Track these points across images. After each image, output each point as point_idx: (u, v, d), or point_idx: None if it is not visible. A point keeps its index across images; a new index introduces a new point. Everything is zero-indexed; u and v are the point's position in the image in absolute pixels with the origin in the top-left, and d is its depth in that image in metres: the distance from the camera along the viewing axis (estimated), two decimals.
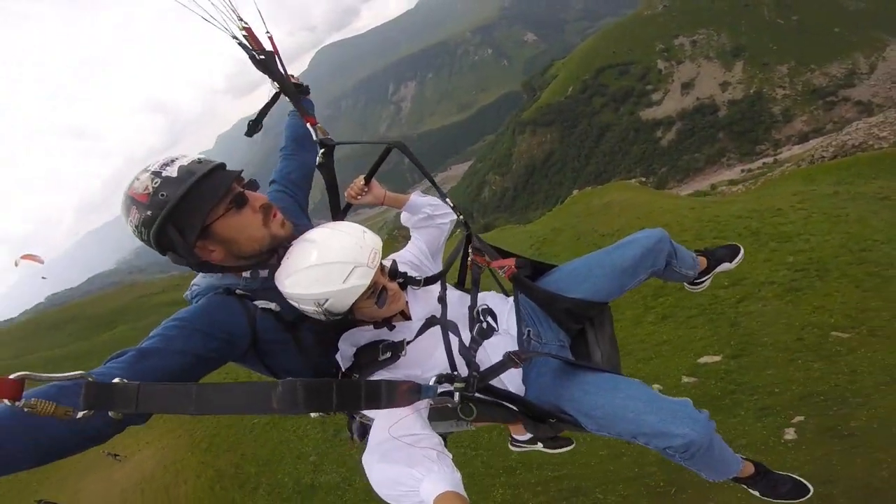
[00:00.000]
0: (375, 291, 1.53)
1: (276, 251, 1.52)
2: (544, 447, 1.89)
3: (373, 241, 1.50)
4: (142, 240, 1.34)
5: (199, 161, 1.36)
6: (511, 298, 1.97)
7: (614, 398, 1.56)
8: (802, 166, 26.50)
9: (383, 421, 1.37)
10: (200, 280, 1.55)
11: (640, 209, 20.43)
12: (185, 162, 1.33)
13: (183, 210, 1.28)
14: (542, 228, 25.23)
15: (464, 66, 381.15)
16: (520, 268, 1.96)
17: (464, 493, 1.14)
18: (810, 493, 1.94)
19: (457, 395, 1.38)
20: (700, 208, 18.62)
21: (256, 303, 1.46)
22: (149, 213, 1.28)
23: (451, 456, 1.28)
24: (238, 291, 1.45)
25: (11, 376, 0.80)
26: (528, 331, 1.82)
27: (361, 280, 1.42)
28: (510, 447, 1.88)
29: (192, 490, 14.13)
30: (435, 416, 1.52)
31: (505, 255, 2.06)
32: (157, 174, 1.29)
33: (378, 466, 1.26)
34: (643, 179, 37.86)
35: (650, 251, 1.91)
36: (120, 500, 15.73)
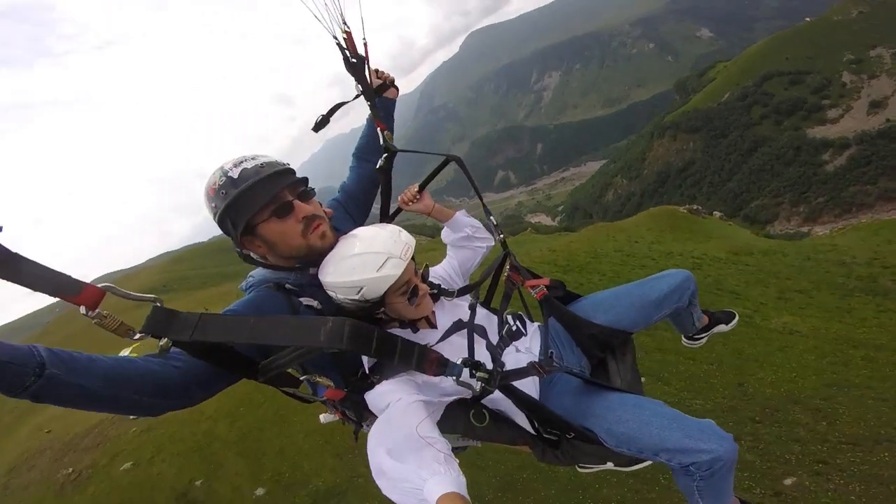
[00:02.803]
0: (408, 289, 1.58)
1: (315, 259, 1.59)
2: (615, 466, 1.83)
3: (407, 238, 1.57)
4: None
5: (262, 165, 1.48)
6: (536, 323, 2.05)
7: (640, 414, 1.57)
8: None
9: (395, 417, 1.37)
10: (256, 272, 1.66)
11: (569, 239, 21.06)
12: (249, 165, 1.46)
13: (234, 209, 1.45)
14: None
15: (618, 58, 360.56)
16: (551, 289, 2.03)
17: (467, 497, 1.12)
18: None
19: (479, 384, 1.39)
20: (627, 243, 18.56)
21: (301, 299, 1.55)
22: (213, 205, 1.47)
23: (458, 461, 1.27)
24: (287, 286, 1.55)
25: (98, 286, 0.87)
26: (552, 352, 1.86)
27: (394, 270, 1.49)
28: (578, 469, 1.95)
29: None
30: (445, 427, 1.52)
31: (536, 277, 2.11)
32: (225, 173, 1.45)
33: (385, 459, 1.24)
34: (695, 207, 33.28)
35: (678, 288, 2.00)
36: None
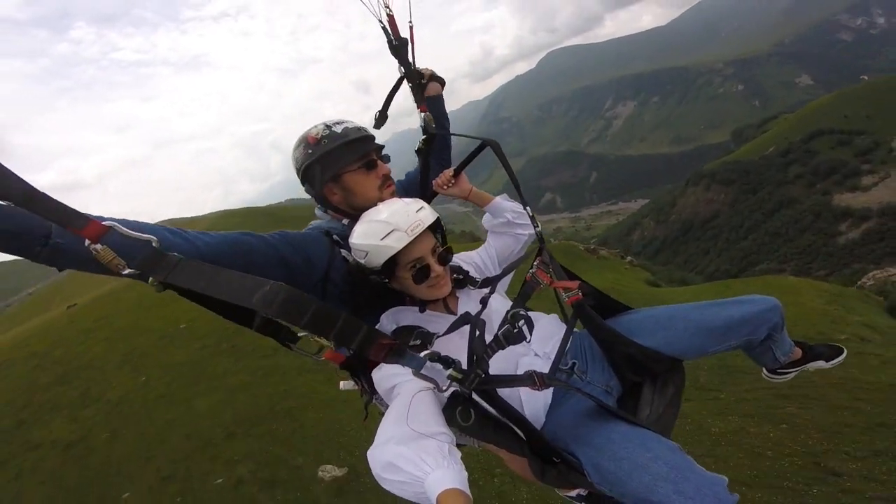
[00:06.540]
0: (416, 266, 1.57)
1: None
2: None
3: (423, 216, 1.56)
4: (295, 168, 1.81)
5: (359, 128, 1.78)
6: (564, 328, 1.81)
7: (639, 455, 1.30)
8: None
9: (399, 411, 1.28)
10: (316, 221, 1.90)
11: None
12: (350, 125, 1.76)
13: (331, 156, 1.71)
14: None
15: (700, 96, 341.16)
16: (585, 295, 1.74)
17: (469, 493, 1.07)
18: None
19: (449, 382, 1.26)
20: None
21: (342, 251, 1.68)
22: (310, 151, 1.72)
23: (460, 454, 1.21)
24: (335, 236, 1.71)
25: (103, 222, 0.95)
26: (574, 363, 1.69)
27: (394, 243, 1.50)
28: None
29: None
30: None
31: (573, 277, 1.84)
32: (328, 127, 1.73)
33: (387, 451, 1.18)
34: (592, 247, 33.95)
35: (754, 317, 1.68)
36: None
